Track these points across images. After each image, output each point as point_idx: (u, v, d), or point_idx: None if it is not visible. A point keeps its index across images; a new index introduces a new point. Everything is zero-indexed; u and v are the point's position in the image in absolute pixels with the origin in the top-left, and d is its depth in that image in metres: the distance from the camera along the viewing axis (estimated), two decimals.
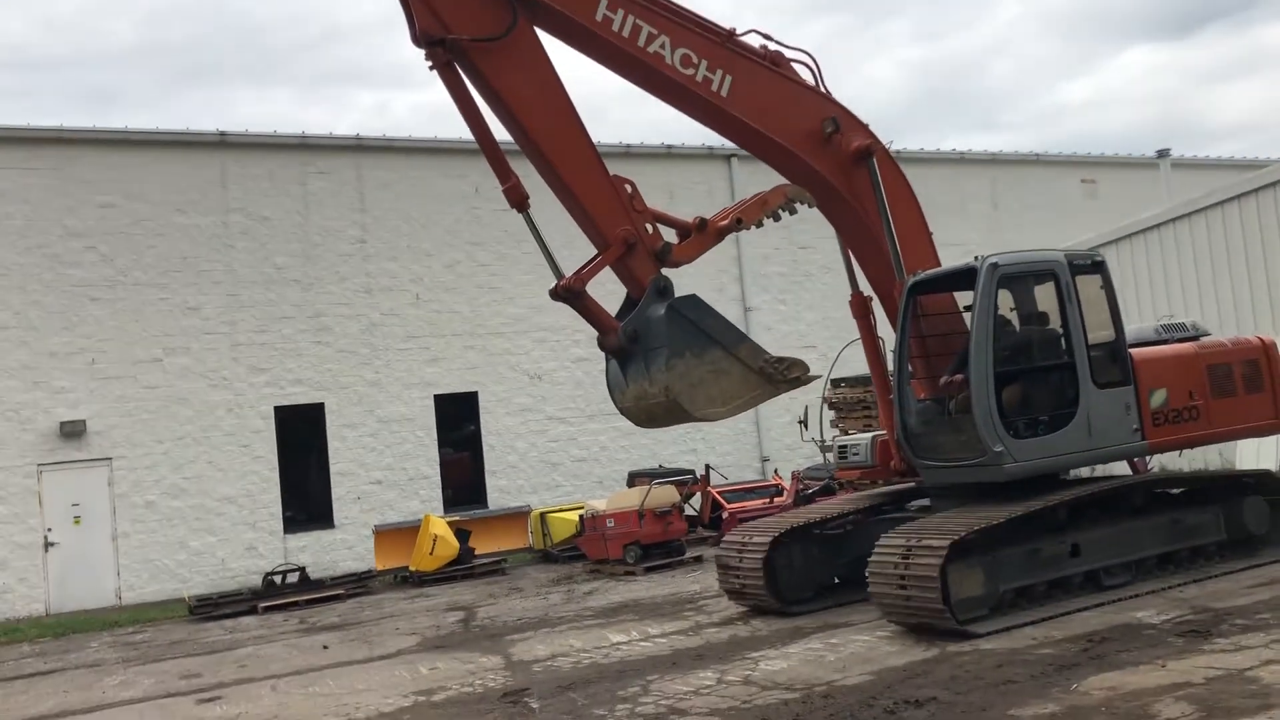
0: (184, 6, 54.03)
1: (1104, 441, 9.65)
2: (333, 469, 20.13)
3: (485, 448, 21.39)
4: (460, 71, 8.51)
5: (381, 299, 20.80)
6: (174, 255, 19.42)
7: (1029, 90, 67.60)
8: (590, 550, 16.65)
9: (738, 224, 9.30)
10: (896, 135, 68.38)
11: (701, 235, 9.31)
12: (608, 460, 22.06)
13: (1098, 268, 10.02)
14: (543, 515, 19.00)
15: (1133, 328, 10.69)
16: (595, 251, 8.86)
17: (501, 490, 21.34)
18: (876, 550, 8.90)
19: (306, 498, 20.14)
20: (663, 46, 9.18)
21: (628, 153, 22.01)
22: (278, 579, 16.81)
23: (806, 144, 9.89)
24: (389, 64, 60.82)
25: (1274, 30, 65.15)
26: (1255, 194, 18.41)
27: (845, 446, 11.51)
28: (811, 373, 8.85)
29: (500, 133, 8.85)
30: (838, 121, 9.96)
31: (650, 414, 8.69)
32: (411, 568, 17.21)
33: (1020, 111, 67.96)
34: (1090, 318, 9.67)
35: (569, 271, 8.75)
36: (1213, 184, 21.31)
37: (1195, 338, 10.88)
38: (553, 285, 8.74)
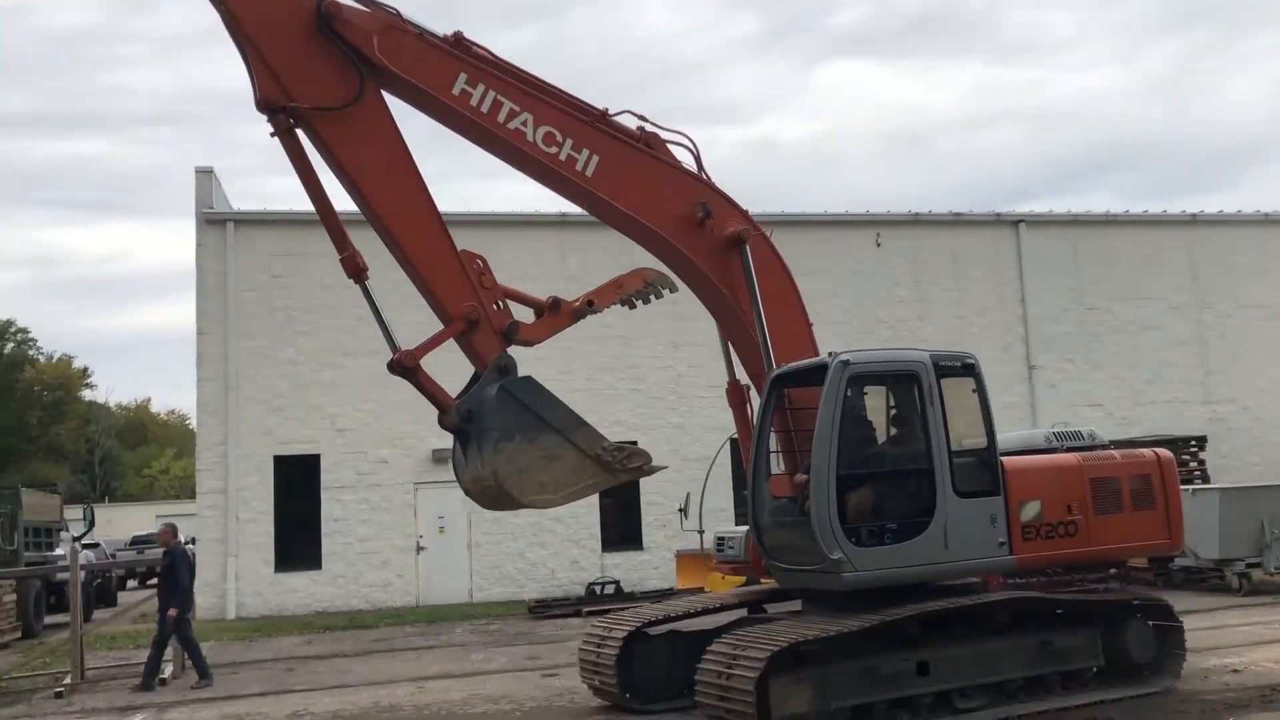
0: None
1: (963, 554, 8.83)
2: (643, 500, 23.43)
3: None
4: (304, 136, 8.24)
5: (687, 353, 23.93)
6: None
7: None
8: None
9: (588, 306, 8.99)
10: (1265, 160, 63.19)
11: (554, 315, 8.95)
12: None
13: (969, 370, 9.26)
14: None
15: (1022, 434, 9.98)
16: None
17: None
18: (705, 658, 8.48)
19: (621, 522, 23.59)
20: (525, 124, 8.85)
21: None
22: (598, 589, 20.15)
23: (677, 228, 9.46)
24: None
25: None
26: None
27: (723, 539, 10.71)
28: (655, 463, 8.66)
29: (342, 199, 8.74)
30: (708, 207, 9.52)
31: (488, 496, 8.39)
32: (706, 589, 19.97)
33: None
34: (961, 422, 9.02)
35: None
36: None
37: (1091, 448, 10.25)
38: (390, 358, 8.45)
